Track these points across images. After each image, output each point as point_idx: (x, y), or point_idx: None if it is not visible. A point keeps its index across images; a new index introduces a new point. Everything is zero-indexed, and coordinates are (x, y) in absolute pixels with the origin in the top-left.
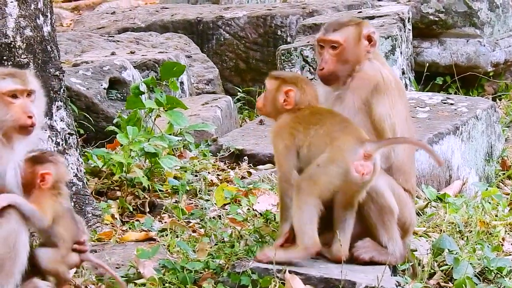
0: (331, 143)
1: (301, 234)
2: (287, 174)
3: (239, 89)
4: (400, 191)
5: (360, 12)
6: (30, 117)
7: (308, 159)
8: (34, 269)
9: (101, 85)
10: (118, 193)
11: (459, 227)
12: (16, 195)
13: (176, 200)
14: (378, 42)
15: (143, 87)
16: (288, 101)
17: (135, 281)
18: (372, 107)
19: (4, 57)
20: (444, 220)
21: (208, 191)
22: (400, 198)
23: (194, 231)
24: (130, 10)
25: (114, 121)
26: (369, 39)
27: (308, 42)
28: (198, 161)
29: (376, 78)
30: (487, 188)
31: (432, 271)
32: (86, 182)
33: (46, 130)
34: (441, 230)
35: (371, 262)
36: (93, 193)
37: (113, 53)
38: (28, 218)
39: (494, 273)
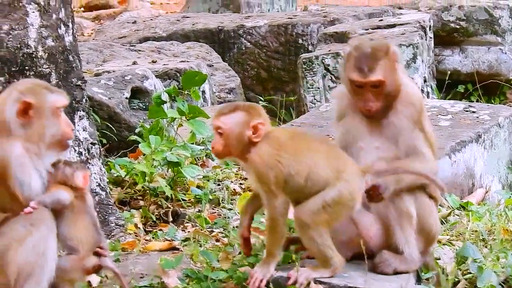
0: (336, 175)
1: (326, 258)
2: (285, 205)
3: (261, 98)
4: (424, 199)
5: (381, 20)
6: (72, 128)
7: (303, 188)
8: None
9: (123, 94)
10: (141, 203)
11: (482, 235)
12: (40, 195)
13: (199, 209)
14: (400, 52)
15: (165, 97)
16: (258, 133)
17: None
18: (424, 125)
19: (26, 67)
20: (467, 228)
21: (231, 200)
22: (424, 206)
23: (217, 240)
24: (151, 19)
25: (137, 131)
26: (396, 58)
27: (329, 50)
28: (221, 170)
29: (419, 97)
30: (510, 196)
31: (456, 279)
32: (109, 192)
33: None
34: (464, 238)
35: (395, 273)
36: (116, 202)
37: (134, 63)
38: (52, 203)
39: None
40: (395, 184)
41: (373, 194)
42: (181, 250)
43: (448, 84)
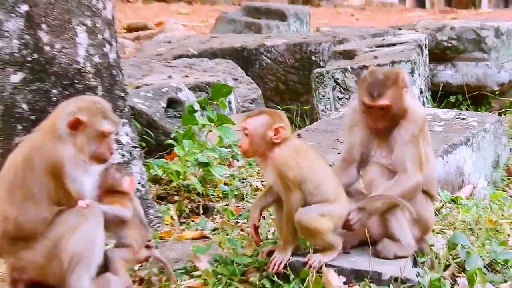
0: (335, 196)
1: (330, 245)
2: (300, 200)
3: (279, 107)
4: (420, 195)
5: (384, 39)
6: (111, 152)
7: (308, 195)
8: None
9: (160, 104)
10: (176, 198)
11: (470, 225)
12: (96, 202)
13: (226, 203)
14: (408, 79)
15: (196, 106)
16: (278, 135)
17: (192, 273)
18: (419, 142)
19: (76, 81)
20: (457, 219)
21: (254, 195)
22: (420, 201)
23: (242, 230)
24: (184, 39)
25: (172, 136)
26: (405, 84)
27: (338, 66)
28: (245, 170)
29: (422, 117)
30: (494, 192)
31: (447, 263)
32: (148, 189)
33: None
34: (455, 228)
35: (395, 257)
36: (155, 197)
37: (170, 77)
38: (112, 216)
39: (501, 264)
40: (367, 216)
41: (346, 225)
42: (211, 238)
43: (441, 95)
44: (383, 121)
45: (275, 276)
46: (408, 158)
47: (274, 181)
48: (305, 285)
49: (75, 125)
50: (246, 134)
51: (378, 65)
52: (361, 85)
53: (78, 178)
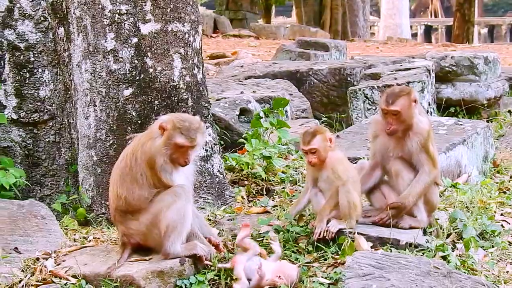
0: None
1: (355, 212)
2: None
3: (323, 115)
4: None
5: (401, 65)
6: (185, 161)
7: (351, 184)
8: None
9: (234, 112)
10: (246, 182)
11: (466, 204)
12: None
13: (283, 187)
14: (419, 98)
15: (261, 114)
16: (332, 143)
17: (257, 239)
18: (428, 148)
19: (172, 95)
20: (456, 199)
21: (304, 181)
22: (430, 189)
23: None
24: (253, 64)
25: (243, 136)
26: (415, 101)
27: (367, 85)
28: (297, 162)
29: (427, 129)
30: (484, 179)
31: (449, 232)
32: (225, 175)
33: None
34: (454, 206)
35: (410, 228)
36: (230, 182)
37: (242, 92)
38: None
39: (489, 234)
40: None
41: (379, 222)
42: (271, 213)
43: (444, 107)
44: (394, 125)
45: (318, 242)
46: (424, 160)
47: (327, 175)
48: (341, 248)
49: (161, 129)
50: (314, 152)
51: (397, 84)
52: (381, 96)
53: (168, 169)
